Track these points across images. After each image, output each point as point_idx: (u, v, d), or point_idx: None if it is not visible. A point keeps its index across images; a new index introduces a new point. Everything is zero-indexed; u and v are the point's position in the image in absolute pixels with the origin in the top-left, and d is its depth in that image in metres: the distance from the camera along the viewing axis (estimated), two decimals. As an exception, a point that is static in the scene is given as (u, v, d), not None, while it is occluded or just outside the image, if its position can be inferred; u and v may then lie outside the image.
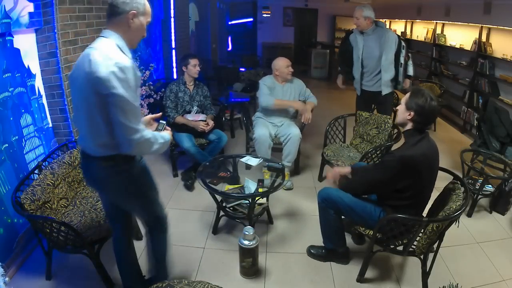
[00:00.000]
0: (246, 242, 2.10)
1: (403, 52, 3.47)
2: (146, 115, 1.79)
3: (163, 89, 3.67)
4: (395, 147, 2.27)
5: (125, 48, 1.49)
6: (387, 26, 6.78)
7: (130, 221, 1.90)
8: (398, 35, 3.54)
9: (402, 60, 3.47)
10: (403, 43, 3.46)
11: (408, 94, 1.92)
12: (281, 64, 3.38)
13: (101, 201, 2.00)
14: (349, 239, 2.42)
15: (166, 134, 1.65)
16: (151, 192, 1.74)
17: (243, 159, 2.82)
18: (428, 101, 1.83)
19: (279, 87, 3.43)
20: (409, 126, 1.92)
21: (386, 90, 3.49)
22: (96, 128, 1.45)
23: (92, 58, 1.36)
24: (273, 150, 3.33)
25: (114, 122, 1.40)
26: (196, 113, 3.37)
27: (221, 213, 2.56)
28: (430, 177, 1.93)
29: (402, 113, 1.92)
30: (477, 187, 2.93)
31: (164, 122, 1.71)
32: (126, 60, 1.41)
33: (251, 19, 10.02)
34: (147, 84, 3.92)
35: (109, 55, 1.38)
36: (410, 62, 3.60)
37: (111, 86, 1.34)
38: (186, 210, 2.18)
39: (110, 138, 1.46)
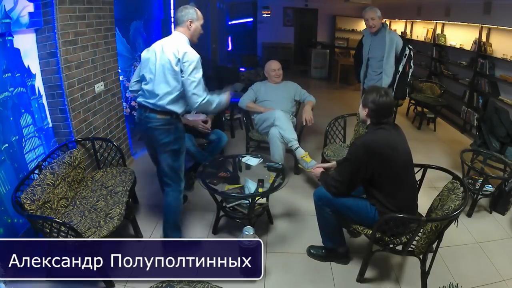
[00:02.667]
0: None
1: (404, 60, 3.48)
2: None
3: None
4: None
5: (189, 42, 2.17)
6: (388, 26, 6.80)
7: (180, 179, 2.28)
8: (405, 43, 3.53)
9: (400, 68, 3.49)
10: (406, 52, 3.46)
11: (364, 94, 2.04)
12: (268, 67, 3.66)
13: (158, 162, 2.30)
14: (345, 234, 2.42)
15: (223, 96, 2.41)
16: (183, 148, 2.22)
17: (243, 159, 2.82)
18: (379, 96, 1.92)
19: (272, 87, 3.61)
20: (368, 122, 2.03)
21: None
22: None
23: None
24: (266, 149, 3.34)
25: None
26: (196, 113, 3.37)
27: (221, 213, 2.56)
28: (397, 161, 1.93)
29: (361, 111, 2.05)
30: (477, 187, 2.93)
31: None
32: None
33: (251, 19, 9.99)
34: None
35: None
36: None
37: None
38: (186, 210, 2.20)
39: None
